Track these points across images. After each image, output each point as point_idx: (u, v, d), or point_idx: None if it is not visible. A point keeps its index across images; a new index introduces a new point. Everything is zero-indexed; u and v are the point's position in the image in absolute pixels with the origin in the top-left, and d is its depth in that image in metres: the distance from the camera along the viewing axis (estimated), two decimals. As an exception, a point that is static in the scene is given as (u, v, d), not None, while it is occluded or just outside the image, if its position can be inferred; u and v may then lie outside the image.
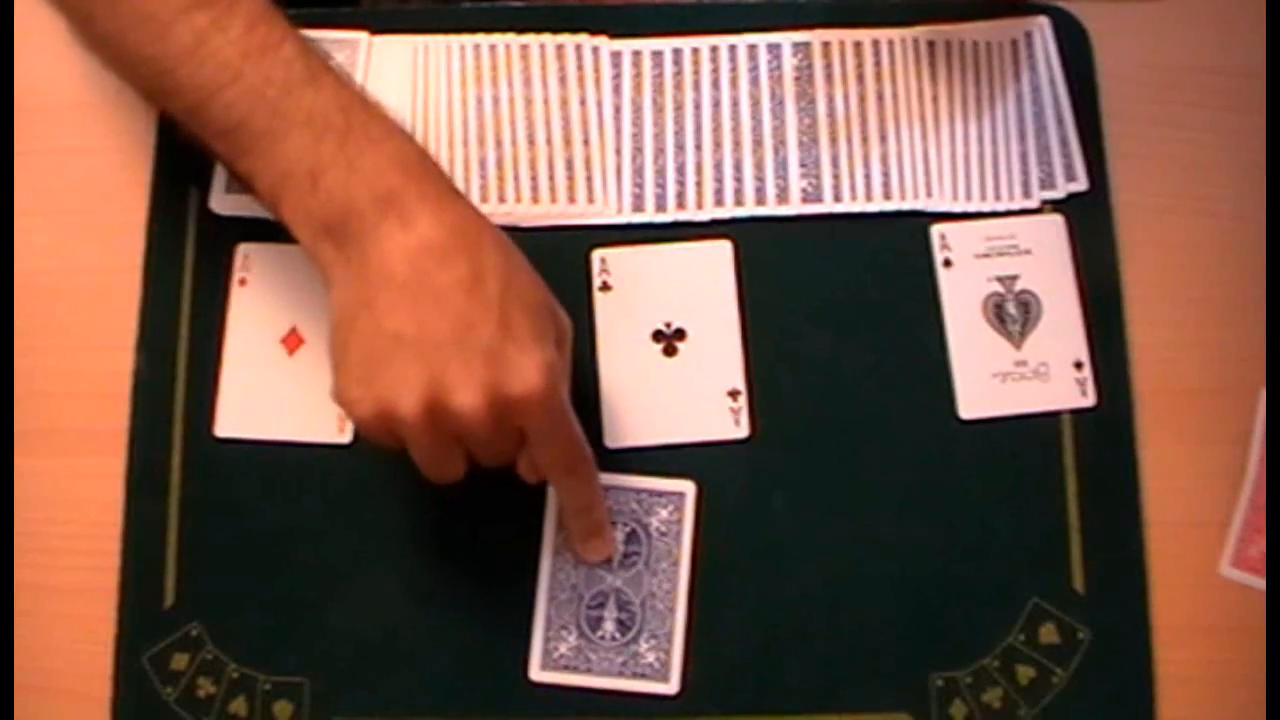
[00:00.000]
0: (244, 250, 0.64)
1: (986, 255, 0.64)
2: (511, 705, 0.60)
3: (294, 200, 0.53)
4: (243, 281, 0.64)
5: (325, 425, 0.63)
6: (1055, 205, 0.65)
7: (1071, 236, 0.65)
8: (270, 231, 0.63)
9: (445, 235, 0.52)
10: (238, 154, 0.55)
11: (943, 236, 0.64)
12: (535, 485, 0.57)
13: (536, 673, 0.60)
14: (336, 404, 0.53)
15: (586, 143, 0.66)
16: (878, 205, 0.65)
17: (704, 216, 0.65)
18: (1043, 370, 0.63)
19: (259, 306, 0.64)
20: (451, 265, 0.51)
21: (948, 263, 0.64)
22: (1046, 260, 0.64)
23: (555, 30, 0.67)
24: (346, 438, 0.62)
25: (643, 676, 0.58)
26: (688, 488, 0.59)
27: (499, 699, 0.60)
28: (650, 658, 0.58)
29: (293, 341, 0.64)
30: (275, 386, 0.63)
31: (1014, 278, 0.64)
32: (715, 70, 0.67)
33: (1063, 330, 0.63)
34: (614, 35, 0.67)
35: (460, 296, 0.51)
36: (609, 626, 0.59)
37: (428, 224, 0.52)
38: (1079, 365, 0.63)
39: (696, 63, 0.67)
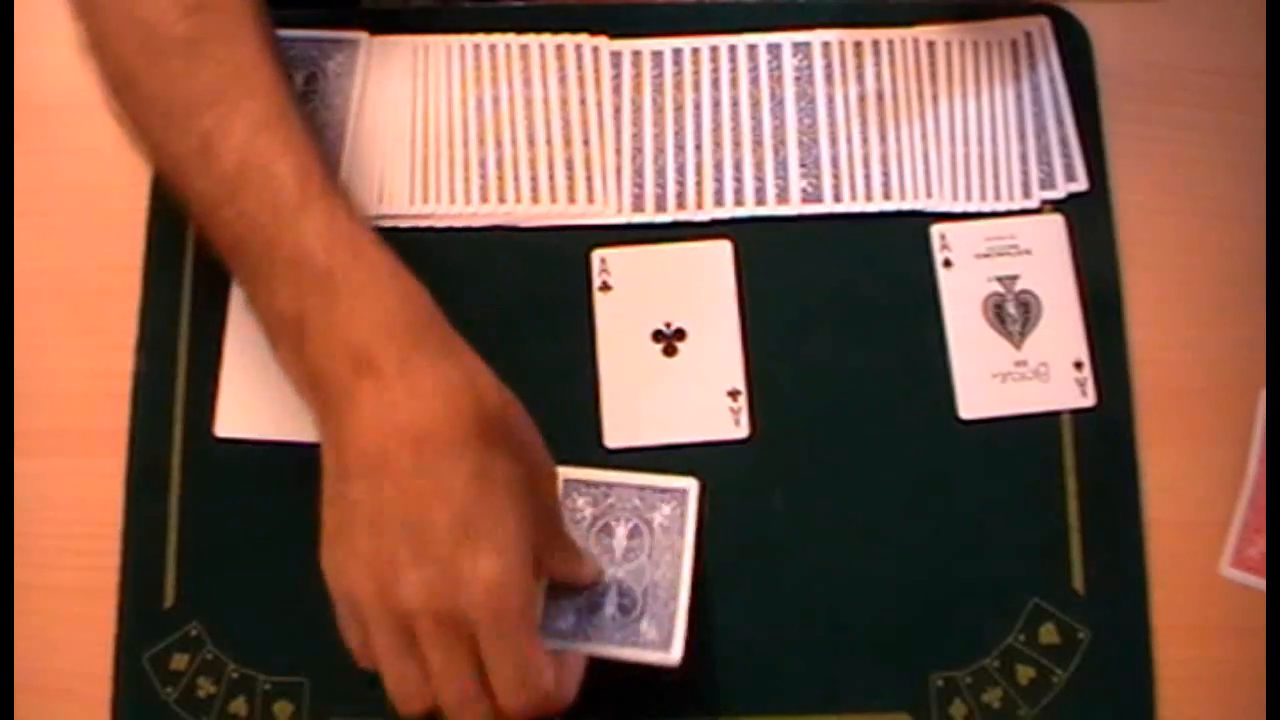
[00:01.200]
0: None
1: (986, 255, 0.64)
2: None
3: (284, 350, 0.53)
4: None
5: None
6: (1055, 205, 0.65)
7: (1071, 236, 0.65)
8: None
9: (419, 411, 0.49)
10: (241, 280, 0.54)
11: (943, 236, 0.64)
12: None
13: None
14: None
15: (586, 143, 0.66)
16: (878, 205, 0.65)
17: (704, 216, 0.65)
18: (1043, 370, 0.63)
19: None
20: (420, 438, 0.49)
21: (948, 263, 0.64)
22: (1046, 260, 0.64)
23: (555, 30, 0.67)
24: None
25: (643, 647, 0.57)
26: (690, 484, 0.59)
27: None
28: (651, 634, 0.57)
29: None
30: (275, 386, 0.63)
31: (1014, 278, 0.64)
32: (715, 70, 0.67)
33: (1063, 330, 0.63)
34: (614, 35, 0.67)
35: (420, 480, 0.49)
36: (609, 610, 0.58)
37: (402, 396, 0.49)
38: (1079, 365, 0.63)
39: (696, 63, 0.67)
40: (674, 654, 0.56)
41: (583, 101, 0.67)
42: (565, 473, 0.58)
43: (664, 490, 0.59)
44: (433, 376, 0.50)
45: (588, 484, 0.59)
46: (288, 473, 0.62)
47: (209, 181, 0.53)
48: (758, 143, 0.66)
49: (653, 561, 0.58)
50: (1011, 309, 0.64)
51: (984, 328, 0.63)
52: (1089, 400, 0.62)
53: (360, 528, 0.49)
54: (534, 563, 0.50)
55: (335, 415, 0.50)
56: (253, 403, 0.63)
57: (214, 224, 0.54)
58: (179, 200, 0.56)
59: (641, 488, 0.59)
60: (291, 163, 0.53)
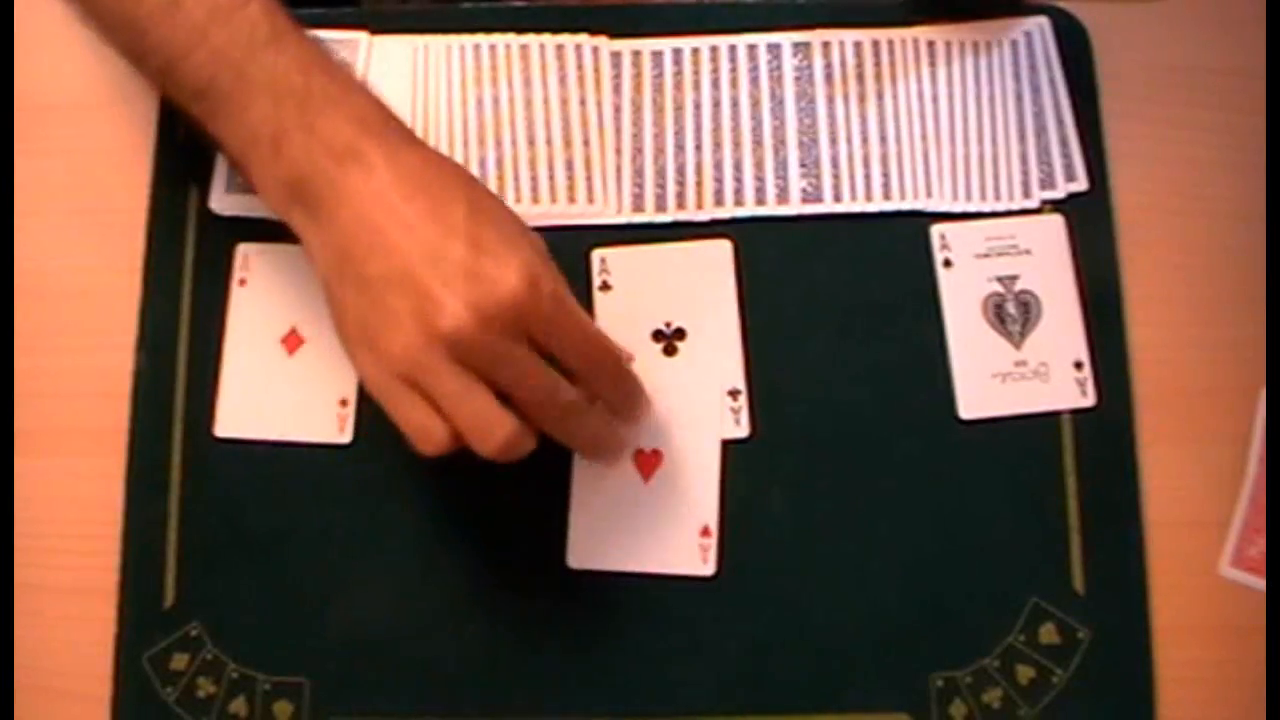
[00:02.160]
0: (244, 250, 0.64)
1: (986, 255, 0.64)
2: (513, 703, 0.60)
3: (260, 167, 0.54)
4: (242, 281, 0.64)
5: (325, 425, 0.63)
6: (1055, 205, 0.65)
7: (1071, 236, 0.65)
8: (270, 231, 0.63)
9: (406, 175, 0.52)
10: (207, 117, 0.55)
11: (942, 236, 0.64)
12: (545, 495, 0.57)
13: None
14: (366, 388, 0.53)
15: (586, 143, 0.66)
16: (878, 205, 0.65)
17: (704, 216, 0.65)
18: (1043, 370, 0.63)
19: (259, 306, 0.64)
20: (415, 199, 0.52)
21: (948, 263, 0.64)
22: (1046, 260, 0.64)
23: (555, 30, 0.67)
24: (347, 438, 0.62)
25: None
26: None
27: (500, 697, 0.60)
28: None
29: (293, 341, 0.64)
30: (275, 386, 0.63)
31: (1014, 278, 0.64)
32: (715, 70, 0.67)
33: (1063, 330, 0.63)
34: (614, 35, 0.67)
35: (428, 225, 0.51)
36: None
37: (387, 169, 0.52)
38: (1079, 365, 0.63)
39: (696, 63, 0.67)
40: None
41: (583, 101, 0.67)
42: None
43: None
44: (419, 159, 0.54)
45: None
46: (288, 473, 0.62)
47: (177, 31, 0.54)
48: (758, 143, 0.66)
49: None
50: (1011, 309, 0.64)
51: (984, 328, 0.63)
52: (1089, 400, 0.62)
53: (388, 296, 0.50)
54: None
55: (326, 210, 0.52)
56: (253, 403, 0.63)
57: (182, 70, 0.55)
58: (133, 61, 0.58)
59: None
60: (261, 4, 0.55)
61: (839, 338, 0.64)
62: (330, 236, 0.53)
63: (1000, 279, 0.64)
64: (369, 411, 0.63)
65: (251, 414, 0.63)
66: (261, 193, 0.55)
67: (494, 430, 0.51)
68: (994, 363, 0.63)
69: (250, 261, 0.64)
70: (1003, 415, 0.62)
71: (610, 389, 0.56)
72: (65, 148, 0.67)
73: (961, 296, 0.64)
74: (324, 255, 0.53)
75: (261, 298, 0.64)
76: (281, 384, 0.63)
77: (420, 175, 0.53)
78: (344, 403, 0.63)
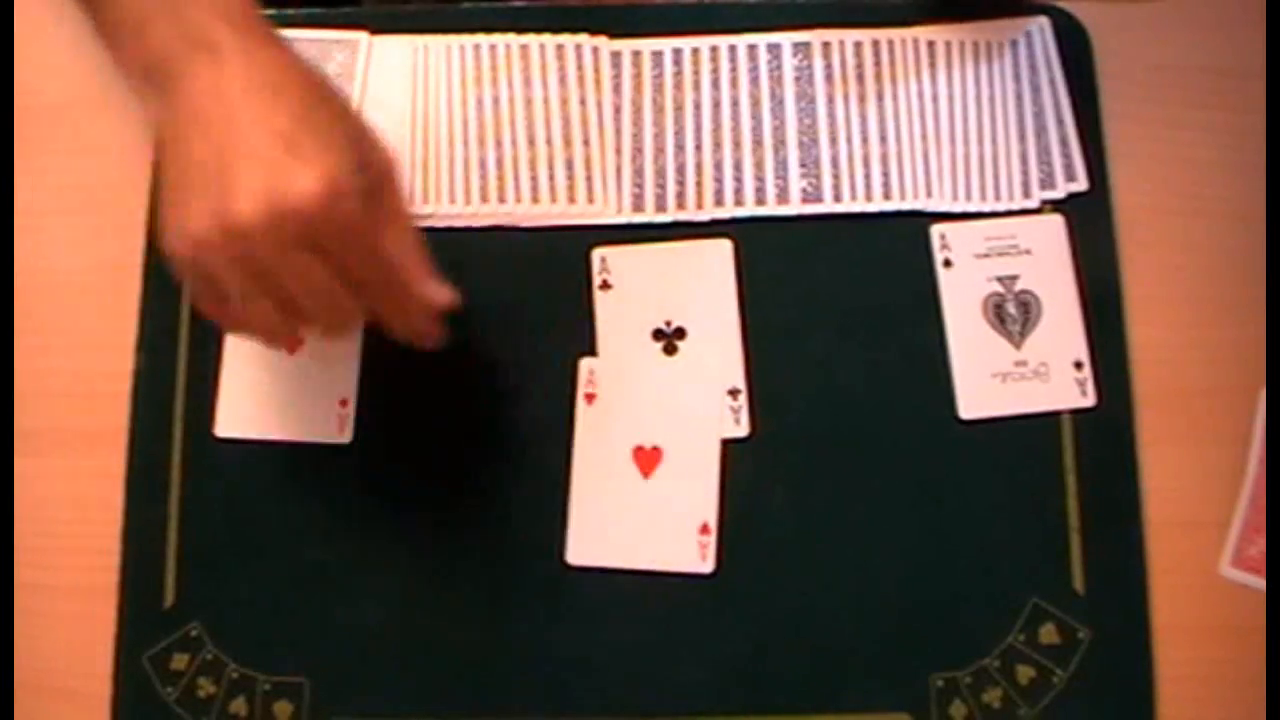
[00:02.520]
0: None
1: (986, 255, 0.64)
2: (512, 702, 0.60)
3: (123, 49, 0.55)
4: None
5: (325, 425, 0.63)
6: (1055, 205, 0.65)
7: (1071, 236, 0.65)
8: None
9: (252, 72, 0.53)
10: (85, 7, 0.56)
11: (943, 236, 0.64)
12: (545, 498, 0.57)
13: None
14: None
15: (586, 143, 0.66)
16: (878, 205, 0.65)
17: (704, 216, 0.65)
18: (1042, 370, 0.63)
19: None
20: (251, 95, 0.52)
21: (948, 263, 0.64)
22: (1046, 260, 0.64)
23: (555, 30, 0.67)
24: (346, 438, 0.62)
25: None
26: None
27: (499, 696, 0.60)
28: None
29: (292, 341, 0.64)
30: (275, 386, 0.63)
31: (1014, 278, 0.64)
32: (715, 70, 0.67)
33: (1063, 330, 0.63)
34: (614, 35, 0.67)
35: (254, 122, 0.51)
36: None
37: (237, 63, 0.52)
38: (1079, 365, 0.63)
39: (696, 63, 0.67)
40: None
41: (583, 101, 0.67)
42: None
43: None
44: (272, 59, 0.54)
45: None
46: (287, 473, 0.62)
47: None
48: (758, 143, 0.66)
49: None
50: (1011, 309, 0.64)
51: (984, 328, 0.63)
52: (1089, 400, 0.62)
53: (195, 177, 0.51)
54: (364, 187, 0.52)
55: (170, 93, 0.53)
56: (253, 403, 0.63)
57: None
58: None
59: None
60: None
61: (839, 338, 0.64)
62: (168, 118, 0.53)
63: (1000, 279, 0.64)
64: (369, 411, 0.63)
65: (251, 414, 0.63)
66: (122, 73, 0.56)
67: (263, 331, 0.54)
68: (994, 363, 0.63)
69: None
70: (1003, 415, 0.62)
71: (391, 315, 0.56)
72: (65, 148, 0.67)
73: (961, 296, 0.64)
74: (160, 135, 0.54)
75: None
76: (281, 384, 0.63)
77: (266, 74, 0.53)
78: (344, 403, 0.63)
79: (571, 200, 0.65)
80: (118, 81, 0.58)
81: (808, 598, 0.61)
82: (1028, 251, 0.64)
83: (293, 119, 0.52)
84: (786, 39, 0.67)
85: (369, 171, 0.54)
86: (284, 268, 0.51)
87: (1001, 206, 0.65)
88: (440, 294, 0.56)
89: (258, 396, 0.63)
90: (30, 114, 0.67)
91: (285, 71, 0.54)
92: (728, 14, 0.68)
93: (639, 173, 0.66)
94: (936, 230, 0.65)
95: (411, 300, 0.55)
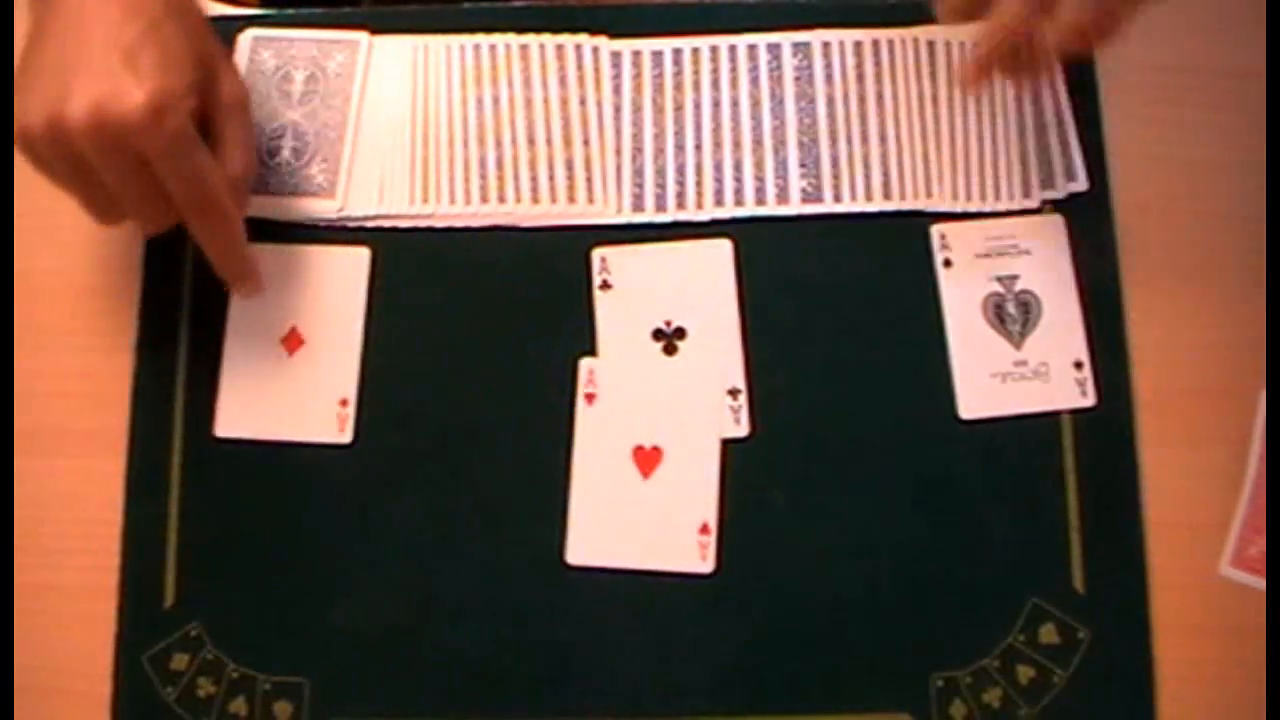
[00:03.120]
0: (244, 250, 0.64)
1: (986, 255, 0.64)
2: (512, 702, 0.60)
3: None
4: None
5: (325, 425, 0.63)
6: (1055, 205, 0.65)
7: (1071, 236, 0.65)
8: (270, 232, 0.63)
9: None
10: None
11: (943, 236, 0.64)
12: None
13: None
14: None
15: (586, 143, 0.66)
16: (878, 205, 0.65)
17: (704, 216, 0.65)
18: (1042, 370, 0.63)
19: (259, 306, 0.64)
20: (109, 8, 0.56)
21: (948, 262, 0.64)
22: (1046, 260, 0.64)
23: (555, 30, 0.67)
24: (347, 438, 0.62)
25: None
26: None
27: (499, 696, 0.60)
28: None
29: (293, 341, 0.64)
30: (275, 386, 0.63)
31: (1014, 278, 0.64)
32: (715, 70, 0.67)
33: (1063, 330, 0.63)
34: (614, 35, 0.67)
35: (101, 30, 0.55)
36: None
37: None
38: (1079, 365, 0.63)
39: (696, 63, 0.67)
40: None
41: (583, 101, 0.67)
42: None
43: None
44: None
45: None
46: (288, 473, 0.62)
47: None
48: (758, 143, 0.66)
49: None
50: (1011, 309, 0.64)
51: (984, 327, 0.63)
52: (1089, 400, 0.62)
53: (42, 73, 0.56)
54: (199, 106, 0.57)
55: (51, 3, 0.57)
56: (253, 403, 0.63)
57: None
58: None
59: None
60: None
61: (839, 337, 0.64)
62: (38, 20, 0.58)
63: (1000, 279, 0.64)
64: (369, 411, 0.63)
65: (251, 414, 0.63)
66: None
67: (90, 209, 0.58)
68: (993, 362, 0.63)
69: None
70: (1003, 415, 0.62)
71: (204, 239, 0.59)
72: (65, 148, 0.66)
73: (961, 296, 0.64)
74: (30, 34, 0.58)
75: (261, 298, 0.64)
76: (281, 384, 0.63)
77: None
78: (344, 402, 0.63)
79: (571, 200, 0.65)
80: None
81: (808, 598, 0.61)
82: (1027, 252, 0.64)
83: (140, 34, 0.55)
84: (786, 39, 0.67)
85: (206, 96, 0.58)
86: (104, 167, 0.55)
87: (1001, 206, 0.65)
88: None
89: (258, 396, 0.63)
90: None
91: None
92: (728, 14, 0.68)
93: (639, 173, 0.66)
94: (936, 230, 0.65)
95: (224, 229, 0.59)
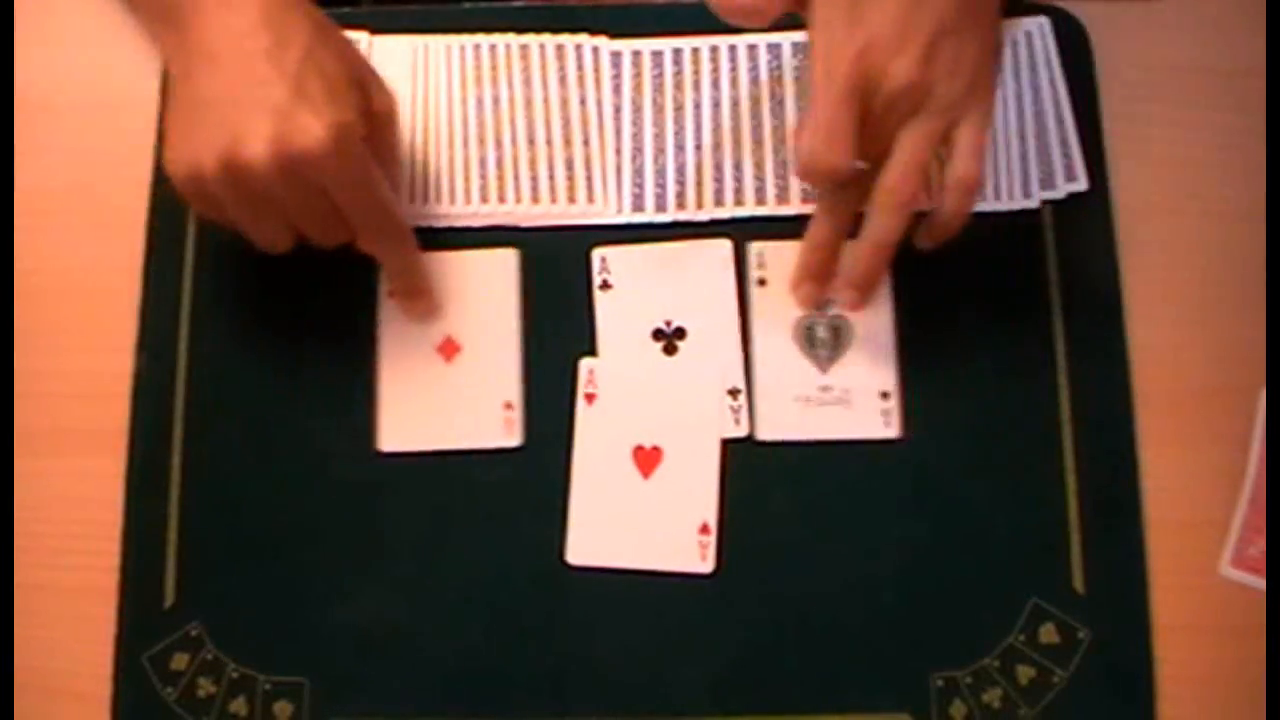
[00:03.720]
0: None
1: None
2: (512, 702, 0.60)
3: None
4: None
5: (493, 430, 0.63)
6: (1055, 205, 0.65)
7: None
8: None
9: (260, 14, 0.56)
10: None
11: (760, 255, 0.64)
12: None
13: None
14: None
15: (586, 143, 0.66)
16: (878, 205, 0.65)
17: (704, 216, 0.65)
18: (845, 397, 0.62)
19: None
20: (259, 37, 0.56)
21: (762, 281, 0.64)
22: None
23: (555, 30, 0.67)
24: (515, 441, 0.62)
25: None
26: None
27: (499, 696, 0.60)
28: None
29: (449, 349, 0.63)
30: (436, 395, 0.63)
31: (828, 302, 0.63)
32: (715, 70, 0.67)
33: (872, 359, 0.63)
34: (614, 35, 0.67)
35: (262, 63, 0.55)
36: None
37: (259, 7, 0.56)
38: (885, 395, 0.62)
39: (696, 63, 0.67)
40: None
41: (583, 101, 0.67)
42: None
43: None
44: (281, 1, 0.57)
45: None
46: (289, 473, 0.62)
47: None
48: (758, 143, 0.66)
49: None
50: (822, 333, 0.63)
51: (793, 350, 0.63)
52: (893, 431, 0.62)
53: (207, 111, 0.55)
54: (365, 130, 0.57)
55: (183, 27, 0.57)
56: (414, 414, 0.63)
57: None
58: None
59: None
60: None
61: (839, 338, 0.64)
62: (181, 54, 0.57)
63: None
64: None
65: (414, 426, 0.63)
66: (138, 16, 0.61)
67: (262, 242, 0.59)
68: (798, 386, 0.63)
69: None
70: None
71: (387, 259, 0.61)
72: (65, 147, 0.67)
73: (772, 317, 0.63)
74: (174, 63, 0.58)
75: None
76: (443, 392, 0.63)
77: (273, 15, 0.56)
78: (509, 406, 0.63)
79: (571, 200, 0.65)
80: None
81: (807, 598, 0.61)
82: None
83: (300, 63, 0.55)
84: (786, 39, 0.67)
85: (370, 116, 0.58)
86: (288, 200, 0.56)
87: (1001, 207, 0.65)
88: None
89: (420, 408, 0.63)
90: (30, 114, 0.66)
91: (291, 11, 0.57)
92: (728, 14, 0.68)
93: (639, 173, 0.66)
94: (754, 248, 0.64)
95: (402, 248, 0.61)
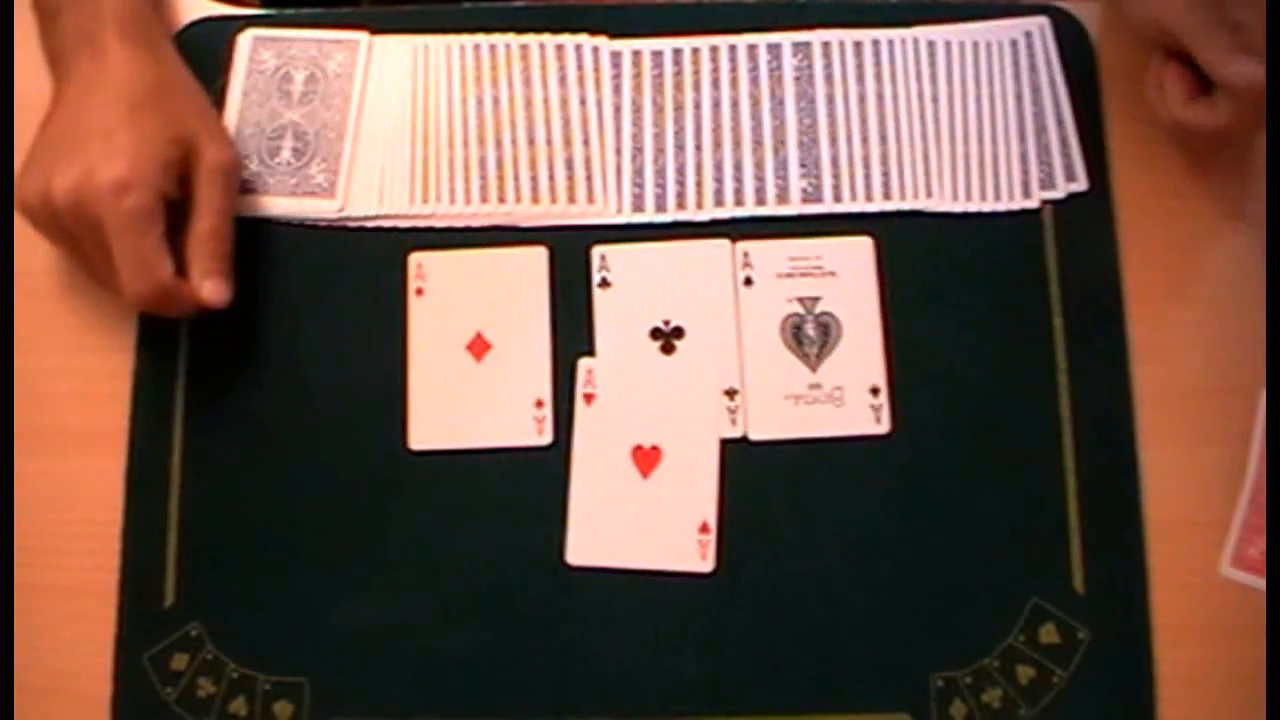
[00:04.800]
0: (416, 259, 0.65)
1: (789, 275, 0.63)
2: (512, 702, 0.60)
3: (42, 33, 0.65)
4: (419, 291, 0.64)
5: (523, 428, 0.63)
6: (1055, 205, 0.65)
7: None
8: (437, 240, 0.63)
9: (121, 72, 0.61)
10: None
11: (745, 254, 0.64)
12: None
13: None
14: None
15: (586, 143, 0.66)
16: (878, 205, 0.65)
17: (704, 216, 0.65)
18: (836, 395, 0.63)
19: (438, 315, 0.64)
20: (106, 93, 0.61)
21: (748, 280, 0.64)
22: (851, 283, 0.63)
23: (555, 30, 0.67)
24: (546, 439, 0.62)
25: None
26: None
27: (499, 696, 0.60)
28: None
29: (479, 347, 0.63)
30: (466, 394, 0.63)
31: (815, 299, 0.63)
32: (715, 70, 0.67)
33: (860, 355, 0.63)
34: (614, 35, 0.67)
35: (94, 115, 0.60)
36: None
37: (114, 63, 0.61)
38: (875, 391, 0.62)
39: (696, 63, 0.67)
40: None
41: (583, 101, 0.67)
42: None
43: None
44: (142, 55, 0.62)
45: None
46: (289, 473, 0.62)
47: None
48: (758, 143, 0.66)
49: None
50: (810, 330, 0.63)
51: (780, 348, 0.63)
52: (883, 427, 0.62)
53: (46, 147, 0.61)
54: (173, 187, 0.61)
55: (62, 78, 0.63)
56: (444, 412, 0.63)
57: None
58: None
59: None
60: None
61: (839, 337, 0.64)
62: (55, 102, 0.63)
63: (801, 299, 0.64)
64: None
65: (444, 424, 0.63)
66: (44, 55, 0.65)
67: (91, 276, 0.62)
68: (787, 384, 0.62)
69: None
70: (792, 438, 0.62)
71: (132, 303, 0.61)
72: (65, 148, 0.67)
73: (760, 315, 0.63)
74: (50, 110, 0.63)
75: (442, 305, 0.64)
76: (474, 391, 0.63)
77: (131, 75, 0.61)
78: (540, 404, 0.63)
79: (571, 200, 0.65)
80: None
81: (807, 598, 0.61)
82: (833, 273, 0.64)
83: (121, 118, 0.60)
84: (786, 39, 0.67)
85: (188, 169, 0.61)
86: (81, 239, 0.60)
87: (1001, 206, 0.65)
88: (215, 293, 0.61)
89: (450, 406, 0.63)
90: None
91: (144, 74, 0.62)
92: (728, 14, 0.68)
93: (639, 173, 0.66)
94: (740, 248, 0.64)
95: (168, 310, 0.61)
